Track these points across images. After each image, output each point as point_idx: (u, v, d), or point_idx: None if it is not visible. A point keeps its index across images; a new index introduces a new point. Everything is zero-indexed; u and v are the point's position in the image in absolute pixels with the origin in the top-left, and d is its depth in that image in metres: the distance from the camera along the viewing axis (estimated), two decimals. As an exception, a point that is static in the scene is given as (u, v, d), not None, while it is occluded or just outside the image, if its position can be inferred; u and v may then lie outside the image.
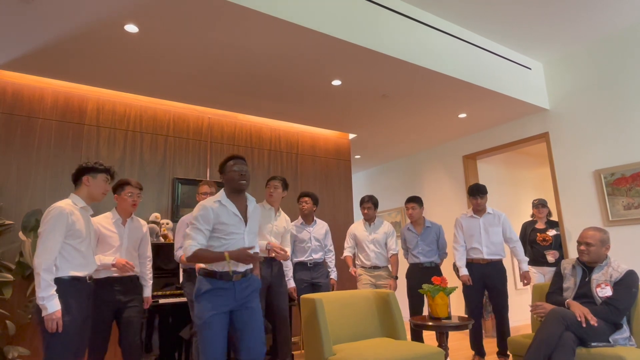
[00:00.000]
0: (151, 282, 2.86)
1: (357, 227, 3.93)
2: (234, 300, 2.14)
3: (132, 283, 2.70)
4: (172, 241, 3.63)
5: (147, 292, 2.81)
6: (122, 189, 2.73)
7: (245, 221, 2.23)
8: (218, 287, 2.11)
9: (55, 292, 2.03)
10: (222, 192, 2.25)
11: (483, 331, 5.01)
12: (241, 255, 2.08)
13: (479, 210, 3.78)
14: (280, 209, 3.44)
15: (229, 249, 2.15)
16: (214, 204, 2.16)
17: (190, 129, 4.23)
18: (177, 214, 3.91)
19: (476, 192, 3.76)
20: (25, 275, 3.02)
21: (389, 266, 3.85)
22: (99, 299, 2.54)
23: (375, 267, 3.77)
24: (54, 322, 2.00)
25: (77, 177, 2.30)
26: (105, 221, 2.69)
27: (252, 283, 2.24)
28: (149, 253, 2.89)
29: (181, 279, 3.09)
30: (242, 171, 2.21)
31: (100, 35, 2.85)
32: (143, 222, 2.91)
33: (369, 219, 3.89)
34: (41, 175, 3.42)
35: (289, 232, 3.46)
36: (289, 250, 3.39)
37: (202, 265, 2.21)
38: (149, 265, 2.87)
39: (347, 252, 3.89)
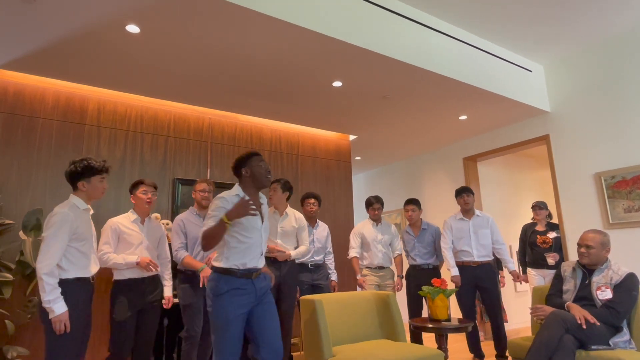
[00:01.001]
0: (171, 282, 2.92)
1: (365, 227, 3.93)
2: (255, 299, 2.12)
3: (154, 284, 2.74)
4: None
5: (168, 291, 2.87)
6: (136, 188, 2.79)
7: (262, 218, 2.23)
8: (238, 286, 2.07)
9: (60, 295, 2.06)
10: (238, 188, 2.20)
11: (482, 333, 5.02)
12: (239, 208, 1.99)
13: (467, 210, 3.81)
14: (288, 209, 3.44)
15: (249, 247, 2.13)
16: (233, 198, 2.13)
17: (190, 129, 4.24)
18: (177, 215, 3.91)
19: (463, 190, 3.82)
20: (26, 274, 3.02)
21: (391, 267, 3.88)
22: (122, 301, 2.58)
23: (381, 268, 3.81)
24: (62, 324, 2.03)
25: (72, 181, 2.28)
26: (125, 220, 2.74)
27: (267, 280, 2.23)
28: (168, 254, 2.94)
29: (176, 281, 3.07)
30: (268, 168, 2.23)
31: (101, 36, 2.85)
32: (159, 223, 2.94)
33: (377, 220, 3.92)
34: (42, 174, 3.42)
35: (304, 229, 3.44)
36: (304, 246, 3.38)
37: (216, 263, 2.14)
38: (168, 265, 2.93)
39: (354, 253, 3.88)
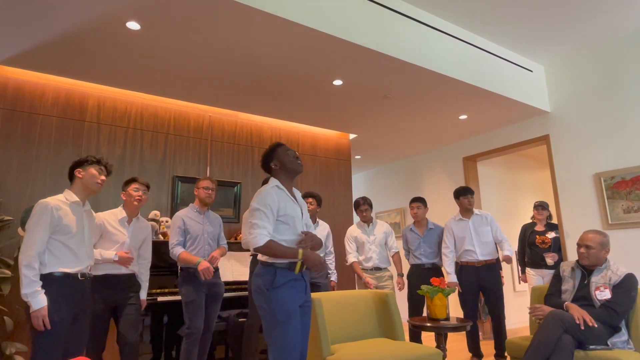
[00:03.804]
0: (147, 284, 2.85)
1: (355, 229, 3.93)
2: (304, 295, 2.02)
3: (130, 281, 2.70)
4: (171, 239, 3.62)
5: (143, 294, 2.79)
6: (128, 185, 2.77)
7: (301, 209, 2.11)
8: (293, 278, 1.96)
9: (39, 289, 1.98)
10: (274, 180, 2.10)
11: (481, 333, 5.03)
12: (315, 261, 1.91)
13: (468, 209, 3.81)
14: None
15: (296, 239, 2.02)
16: (273, 189, 2.02)
17: (190, 127, 4.23)
18: (176, 212, 3.90)
19: (467, 191, 3.82)
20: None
21: (389, 268, 3.86)
22: (96, 296, 2.53)
23: (377, 269, 3.78)
24: (40, 320, 1.95)
25: (71, 174, 2.27)
26: (112, 218, 2.70)
27: (307, 275, 2.12)
28: (149, 255, 2.89)
29: (178, 278, 3.07)
30: (296, 154, 2.12)
31: (101, 32, 2.85)
32: (147, 223, 2.92)
33: (367, 221, 3.90)
34: (41, 171, 3.42)
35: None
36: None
37: (267, 259, 2.00)
38: (147, 266, 2.86)
39: (352, 258, 3.86)
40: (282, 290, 1.91)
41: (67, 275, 2.12)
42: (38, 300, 1.96)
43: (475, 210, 3.84)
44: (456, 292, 3.79)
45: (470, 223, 3.76)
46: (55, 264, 2.09)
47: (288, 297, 1.91)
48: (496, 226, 3.79)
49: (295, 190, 2.20)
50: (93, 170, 2.26)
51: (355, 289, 3.91)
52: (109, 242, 2.64)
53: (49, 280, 2.05)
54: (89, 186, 2.26)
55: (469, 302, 3.67)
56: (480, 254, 3.68)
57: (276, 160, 2.11)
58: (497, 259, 3.75)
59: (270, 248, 1.91)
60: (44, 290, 2.00)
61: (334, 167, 5.21)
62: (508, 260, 3.63)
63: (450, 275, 3.71)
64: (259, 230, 1.91)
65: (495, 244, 3.78)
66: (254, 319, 3.22)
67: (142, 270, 2.82)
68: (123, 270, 2.65)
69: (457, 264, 3.81)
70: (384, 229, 3.89)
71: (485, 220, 3.79)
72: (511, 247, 3.73)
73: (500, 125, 5.01)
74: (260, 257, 2.02)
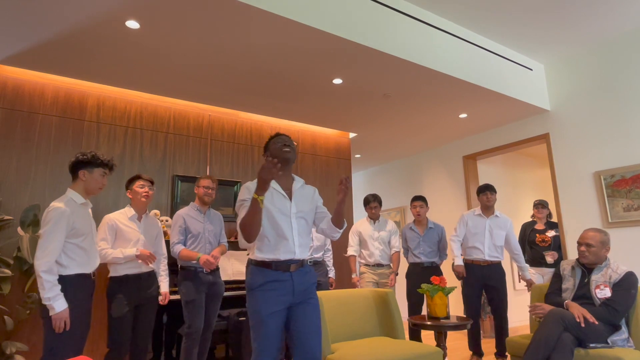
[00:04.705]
0: (167, 278, 2.93)
1: (362, 224, 3.95)
2: (292, 296, 1.89)
3: (150, 279, 2.74)
4: (171, 238, 3.63)
5: (165, 287, 2.88)
6: (133, 183, 2.78)
7: (290, 199, 1.99)
8: (274, 279, 1.87)
9: (60, 292, 2.05)
10: None
11: (481, 331, 5.02)
12: (262, 175, 1.73)
13: (488, 207, 3.76)
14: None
15: (279, 236, 1.91)
16: (252, 182, 1.98)
17: (190, 126, 4.23)
18: (176, 211, 3.90)
19: (486, 188, 3.77)
20: (24, 270, 3.02)
21: (391, 264, 3.88)
22: (119, 298, 2.58)
23: (379, 265, 3.80)
24: (62, 321, 2.03)
25: (74, 170, 2.26)
26: (122, 217, 2.73)
27: (311, 275, 2.01)
28: (164, 250, 2.95)
29: (178, 277, 3.08)
30: (285, 141, 2.03)
31: (101, 31, 2.84)
32: (156, 220, 2.95)
33: (375, 218, 3.92)
34: (41, 170, 3.41)
35: None
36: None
37: (251, 255, 1.97)
38: (164, 262, 2.94)
39: (352, 251, 3.89)
40: (257, 293, 1.87)
41: (83, 276, 2.19)
42: (60, 303, 2.03)
43: (497, 212, 3.77)
44: (459, 289, 3.79)
45: (487, 222, 3.72)
46: (71, 266, 2.15)
47: (262, 301, 1.85)
48: (514, 236, 3.74)
49: (297, 180, 2.09)
50: (98, 175, 2.28)
51: (356, 286, 3.90)
52: (124, 241, 2.67)
53: (68, 283, 2.11)
54: (90, 190, 2.29)
55: (472, 300, 3.66)
56: (487, 254, 3.65)
57: (268, 152, 2.09)
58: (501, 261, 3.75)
59: (241, 225, 1.84)
60: (63, 293, 2.06)
61: (334, 166, 5.21)
62: (529, 284, 3.65)
63: (457, 259, 3.69)
64: (238, 221, 1.90)
65: (512, 253, 3.76)
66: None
67: (160, 265, 2.90)
68: (143, 268, 2.69)
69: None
70: (390, 227, 3.94)
71: (504, 224, 3.73)
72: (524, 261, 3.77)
73: (500, 123, 5.01)
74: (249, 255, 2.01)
